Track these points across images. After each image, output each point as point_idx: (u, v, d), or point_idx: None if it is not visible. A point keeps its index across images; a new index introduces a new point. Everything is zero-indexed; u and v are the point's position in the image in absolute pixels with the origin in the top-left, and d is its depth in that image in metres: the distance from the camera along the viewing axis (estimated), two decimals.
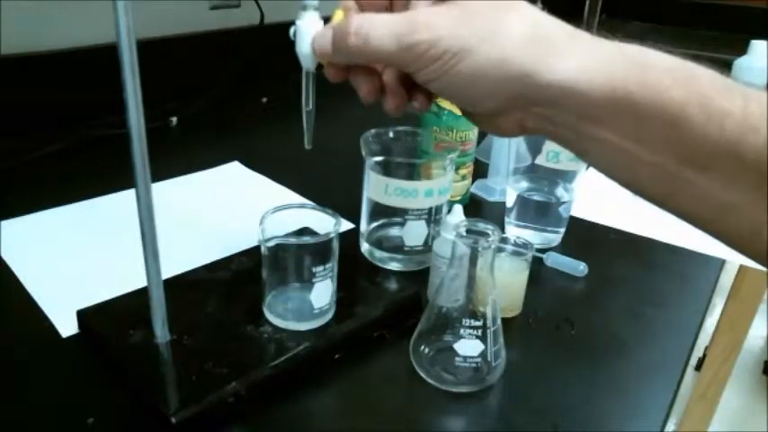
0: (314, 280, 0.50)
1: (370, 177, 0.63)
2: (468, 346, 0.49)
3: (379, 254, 0.65)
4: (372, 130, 0.64)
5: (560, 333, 0.58)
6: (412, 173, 0.63)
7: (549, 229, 0.72)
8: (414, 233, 0.63)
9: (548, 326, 0.59)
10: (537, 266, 0.67)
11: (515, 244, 0.60)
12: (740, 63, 1.21)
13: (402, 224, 0.63)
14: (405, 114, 0.41)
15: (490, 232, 0.48)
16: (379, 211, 0.64)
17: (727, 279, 1.23)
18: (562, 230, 0.73)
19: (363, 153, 0.63)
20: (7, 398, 0.47)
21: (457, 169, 0.74)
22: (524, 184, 0.72)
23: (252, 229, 0.51)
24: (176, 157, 0.91)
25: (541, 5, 0.34)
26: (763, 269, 0.33)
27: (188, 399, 0.44)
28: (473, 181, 0.82)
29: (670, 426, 1.40)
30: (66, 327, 0.54)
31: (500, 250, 0.59)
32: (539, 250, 0.68)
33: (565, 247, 0.72)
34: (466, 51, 0.32)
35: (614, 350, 0.57)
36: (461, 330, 0.49)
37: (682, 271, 0.70)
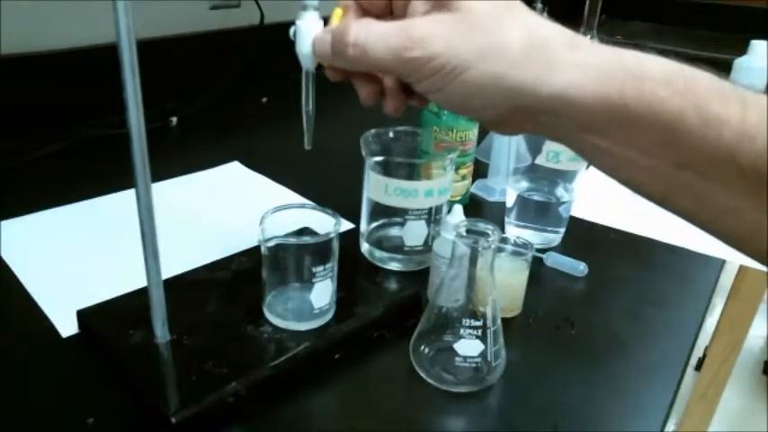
0: (314, 280, 0.50)
1: (370, 177, 0.63)
2: (468, 346, 0.49)
3: (379, 254, 0.65)
4: (372, 130, 0.64)
5: (560, 333, 0.58)
6: (412, 173, 0.63)
7: (549, 229, 0.72)
8: (414, 233, 0.63)
9: (548, 326, 0.59)
10: (537, 266, 0.67)
11: (515, 244, 0.60)
12: (740, 63, 1.21)
13: (402, 224, 0.63)
14: (405, 114, 0.41)
15: (490, 232, 0.48)
16: (379, 211, 0.64)
17: (727, 279, 1.23)
18: (562, 230, 0.73)
19: (363, 153, 0.63)
20: (7, 398, 0.47)
21: (457, 169, 0.74)
22: (524, 184, 0.72)
23: (252, 229, 0.51)
24: (176, 157, 0.91)
25: (542, 6, 0.34)
26: (764, 269, 0.33)
27: (188, 399, 0.44)
28: (473, 181, 0.82)
29: (670, 426, 1.40)
30: (66, 327, 0.54)
31: (500, 250, 0.59)
32: (539, 250, 0.68)
33: (565, 247, 0.72)
34: (463, 68, 0.32)
35: (614, 350, 0.57)
36: (461, 330, 0.49)
37: (682, 271, 0.70)
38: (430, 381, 0.50)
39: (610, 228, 0.78)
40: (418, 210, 0.62)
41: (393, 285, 0.62)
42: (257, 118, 1.14)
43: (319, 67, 0.41)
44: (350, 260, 0.57)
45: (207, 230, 0.70)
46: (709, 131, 0.30)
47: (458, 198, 0.77)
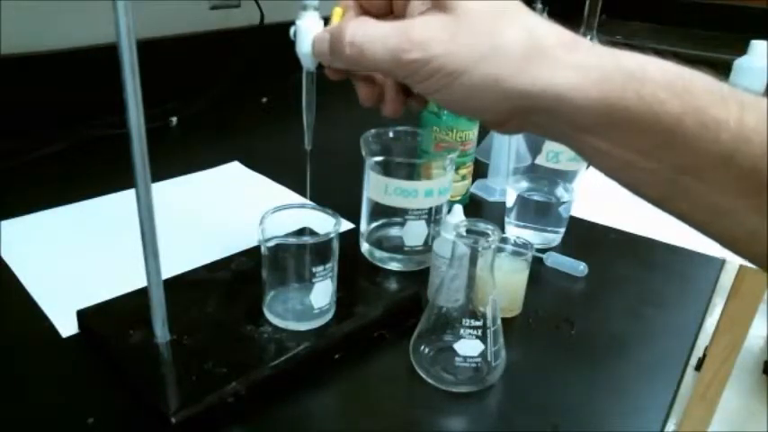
0: (314, 280, 0.50)
1: (370, 177, 0.63)
2: (468, 346, 0.49)
3: (379, 254, 0.65)
4: (372, 130, 0.64)
5: (560, 333, 0.58)
6: (412, 173, 0.63)
7: (549, 229, 0.72)
8: (414, 233, 0.63)
9: (548, 326, 0.59)
10: (537, 266, 0.67)
11: (515, 244, 0.60)
12: (740, 63, 1.21)
13: (402, 224, 0.63)
14: (405, 114, 0.41)
15: (490, 232, 0.48)
16: (379, 211, 0.64)
17: (727, 279, 1.23)
18: (562, 230, 0.73)
19: (363, 153, 0.63)
20: (7, 398, 0.47)
21: (457, 169, 0.74)
22: (524, 184, 0.72)
23: (252, 229, 0.51)
24: (176, 157, 0.91)
25: (542, 6, 0.34)
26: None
27: (188, 399, 0.44)
28: (473, 181, 0.82)
29: (670, 426, 1.40)
30: (66, 327, 0.54)
31: (500, 250, 0.59)
32: (539, 250, 0.68)
33: (565, 247, 0.72)
34: (461, 71, 0.32)
35: (614, 350, 0.57)
36: (461, 330, 0.49)
37: (682, 271, 0.70)
38: (430, 381, 0.50)
39: (610, 228, 0.78)
40: (418, 210, 0.62)
41: (393, 285, 0.61)
42: (257, 118, 1.14)
43: (319, 67, 0.41)
44: (350, 260, 0.57)
45: (207, 230, 0.70)
46: (707, 135, 0.30)
47: (458, 198, 0.77)
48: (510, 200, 0.73)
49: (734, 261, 0.76)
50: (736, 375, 1.46)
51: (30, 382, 0.48)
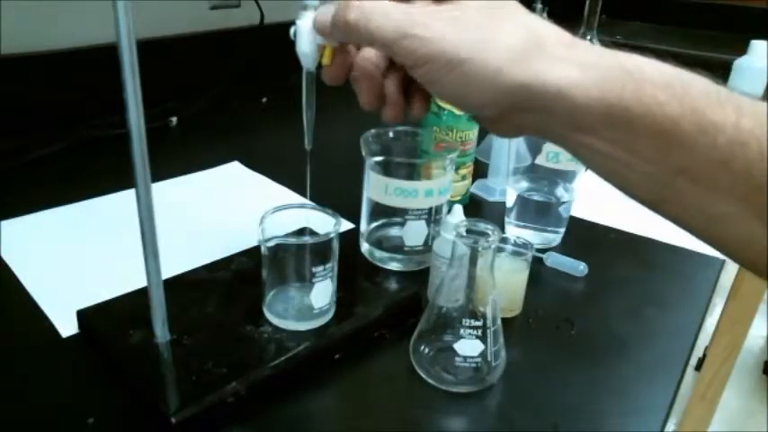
0: (314, 280, 0.50)
1: (370, 177, 0.63)
2: (468, 346, 0.49)
3: (379, 254, 0.65)
4: (372, 130, 0.64)
5: (560, 333, 0.58)
6: (412, 173, 0.63)
7: (549, 229, 0.72)
8: (414, 233, 0.63)
9: (548, 326, 0.59)
10: (537, 266, 0.67)
11: (515, 244, 0.60)
12: (740, 63, 1.21)
13: (402, 224, 0.63)
14: (405, 116, 0.41)
15: (490, 232, 0.48)
16: (379, 211, 0.64)
17: (727, 279, 1.23)
18: (562, 230, 0.73)
19: (363, 153, 0.63)
20: (7, 398, 0.47)
21: (457, 169, 0.74)
22: (524, 184, 0.72)
23: (252, 229, 0.51)
24: (176, 157, 0.91)
25: (542, 6, 0.34)
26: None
27: (188, 399, 0.44)
28: (473, 181, 0.82)
29: (670, 426, 1.40)
30: (66, 327, 0.54)
31: (500, 250, 0.59)
32: (539, 250, 0.68)
33: (565, 247, 0.72)
34: (459, 60, 0.32)
35: (614, 350, 0.57)
36: (461, 330, 0.49)
37: (682, 271, 0.70)
38: (430, 381, 0.50)
39: (610, 228, 0.78)
40: (418, 210, 0.62)
41: (393, 285, 0.62)
42: (257, 118, 1.14)
43: (319, 67, 0.41)
44: (350, 260, 0.57)
45: (207, 230, 0.70)
46: (705, 138, 0.30)
47: (458, 198, 0.77)
48: (510, 200, 0.73)
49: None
50: (736, 375, 1.46)
51: (30, 382, 0.48)
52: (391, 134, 0.66)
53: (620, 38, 1.62)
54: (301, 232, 0.55)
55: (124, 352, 0.48)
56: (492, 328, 0.49)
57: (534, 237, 0.71)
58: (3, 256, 0.63)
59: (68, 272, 0.62)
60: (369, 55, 0.39)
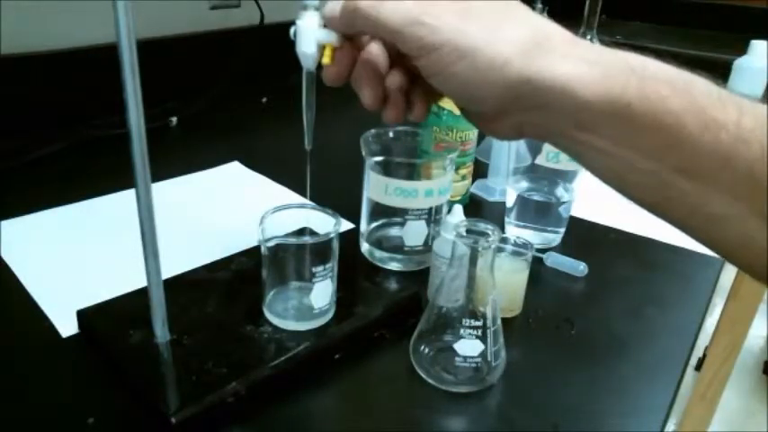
0: (314, 280, 0.50)
1: (370, 177, 0.63)
2: (468, 346, 0.49)
3: (379, 254, 0.65)
4: (372, 130, 0.64)
5: (560, 333, 0.58)
6: (412, 173, 0.63)
7: (549, 229, 0.72)
8: (414, 233, 0.63)
9: (548, 326, 0.59)
10: (537, 266, 0.67)
11: (515, 244, 0.60)
12: (740, 63, 1.21)
13: (402, 224, 0.63)
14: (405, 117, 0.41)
15: (490, 232, 0.48)
16: (379, 211, 0.64)
17: (727, 279, 1.23)
18: (562, 230, 0.73)
19: (363, 153, 0.63)
20: (7, 398, 0.47)
21: (457, 169, 0.74)
22: (524, 184, 0.72)
23: (252, 229, 0.51)
24: (176, 157, 0.91)
25: (542, 6, 0.34)
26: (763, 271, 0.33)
27: (188, 399, 0.44)
28: (473, 181, 0.82)
29: (670, 426, 1.40)
30: (66, 327, 0.54)
31: (500, 250, 0.59)
32: (539, 250, 0.68)
33: (565, 247, 0.72)
34: (467, 48, 0.32)
35: (614, 350, 0.57)
36: (461, 330, 0.49)
37: (682, 271, 0.70)
38: (430, 381, 0.50)
39: (610, 228, 0.78)
40: (418, 210, 0.62)
41: (393, 285, 0.62)
42: (257, 118, 1.14)
43: (319, 67, 0.41)
44: (350, 260, 0.57)
45: (207, 230, 0.70)
46: (707, 134, 0.30)
47: (458, 198, 0.77)
48: (510, 200, 0.73)
49: None
50: (736, 375, 1.46)
51: (30, 382, 0.48)
52: (391, 134, 0.66)
53: (620, 38, 1.62)
54: (301, 232, 0.55)
55: (124, 352, 0.48)
56: (492, 328, 0.49)
57: (534, 237, 0.71)
58: (3, 256, 0.63)
59: (68, 272, 0.62)
60: (373, 52, 0.39)
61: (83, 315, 0.53)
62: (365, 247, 0.66)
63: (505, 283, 0.56)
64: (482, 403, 0.50)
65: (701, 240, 0.34)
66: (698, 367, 1.48)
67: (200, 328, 0.51)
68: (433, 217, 0.63)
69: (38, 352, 0.52)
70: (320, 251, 0.50)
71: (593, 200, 0.78)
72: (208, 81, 1.11)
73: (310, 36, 0.39)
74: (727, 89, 0.32)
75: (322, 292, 0.51)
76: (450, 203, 0.63)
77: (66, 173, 0.84)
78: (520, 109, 0.35)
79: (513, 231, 0.72)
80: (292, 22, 0.40)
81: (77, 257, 0.64)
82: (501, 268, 0.55)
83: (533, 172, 0.72)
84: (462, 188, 0.78)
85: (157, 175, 0.50)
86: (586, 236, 0.76)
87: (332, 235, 0.50)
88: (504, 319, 0.51)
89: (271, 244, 0.50)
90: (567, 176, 0.71)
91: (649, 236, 0.75)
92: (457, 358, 0.49)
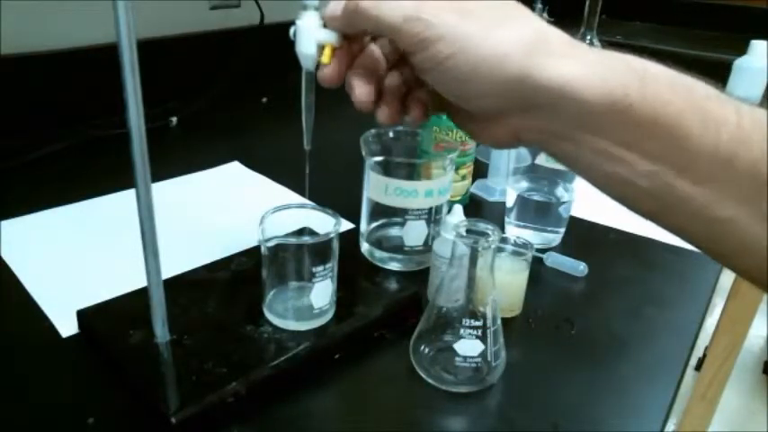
0: (314, 280, 0.50)
1: (370, 177, 0.63)
2: (468, 346, 0.49)
3: (379, 254, 0.65)
4: (372, 130, 0.64)
5: (560, 333, 0.58)
6: (412, 173, 0.63)
7: (549, 229, 0.72)
8: (414, 233, 0.63)
9: (548, 326, 0.59)
10: (537, 266, 0.67)
11: (515, 244, 0.60)
12: (740, 63, 1.21)
13: (402, 224, 0.63)
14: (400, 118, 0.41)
15: (490, 232, 0.48)
16: (379, 211, 0.64)
17: (727, 279, 1.23)
18: (562, 230, 0.73)
19: (363, 153, 0.63)
20: (7, 398, 0.47)
21: (457, 169, 0.74)
22: (524, 184, 0.72)
23: (252, 229, 0.51)
24: (176, 157, 0.91)
25: (542, 6, 0.34)
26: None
27: (188, 399, 0.44)
28: (473, 181, 0.82)
29: (670, 426, 1.40)
30: (66, 327, 0.54)
31: (500, 250, 0.59)
32: (539, 250, 0.68)
33: (565, 247, 0.72)
34: (462, 45, 0.32)
35: (614, 350, 0.57)
36: (461, 330, 0.49)
37: (682, 271, 0.70)
38: (430, 381, 0.50)
39: (610, 228, 0.78)
40: (418, 210, 0.62)
41: (393, 285, 0.61)
42: (257, 118, 1.14)
43: (319, 68, 0.41)
44: (350, 260, 0.57)
45: (207, 230, 0.70)
46: (708, 135, 0.30)
47: (458, 198, 0.77)
48: (510, 200, 0.73)
49: None
50: (736, 375, 1.46)
51: (30, 382, 0.48)
52: (391, 134, 0.66)
53: (620, 38, 1.62)
54: (301, 232, 0.55)
55: (124, 352, 0.48)
56: (492, 328, 0.49)
57: (534, 237, 0.71)
58: (3, 256, 0.63)
59: (68, 272, 0.62)
60: (373, 53, 0.39)
61: (83, 315, 0.53)
62: (365, 247, 0.66)
63: (505, 283, 0.56)
64: (482, 403, 0.50)
65: (702, 247, 0.34)
66: (698, 367, 1.48)
67: (200, 328, 0.51)
68: (433, 217, 0.63)
69: (38, 352, 0.52)
70: (320, 251, 0.50)
71: (594, 200, 0.78)
72: (208, 81, 1.11)
73: (310, 36, 0.39)
74: (725, 93, 0.32)
75: (322, 292, 0.51)
76: (450, 203, 0.63)
77: (67, 173, 0.84)
78: (519, 109, 0.34)
79: (513, 231, 0.72)
80: (292, 22, 0.40)
81: (77, 257, 0.64)
82: (501, 268, 0.55)
83: (533, 172, 0.72)
84: (462, 188, 0.78)
85: (157, 175, 0.50)
86: (586, 236, 0.76)
87: (332, 235, 0.50)
88: (504, 319, 0.51)
89: (271, 244, 0.50)
90: (566, 176, 0.71)
91: (649, 236, 0.75)
92: (457, 358, 0.49)
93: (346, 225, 0.70)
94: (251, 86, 1.19)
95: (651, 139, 0.32)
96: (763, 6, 1.71)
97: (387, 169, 0.62)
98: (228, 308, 0.53)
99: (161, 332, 0.49)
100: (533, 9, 0.34)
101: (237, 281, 0.57)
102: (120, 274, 0.56)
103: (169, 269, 0.52)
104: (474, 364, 0.49)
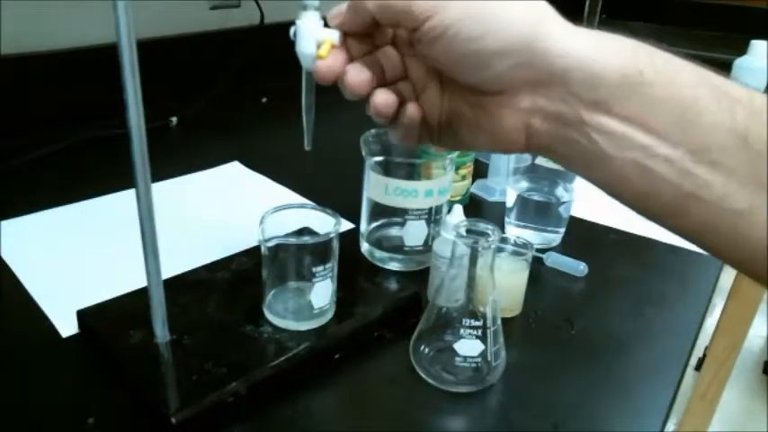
0: (314, 280, 0.50)
1: (370, 177, 0.63)
2: (468, 346, 0.49)
3: (379, 254, 0.65)
4: (372, 130, 0.64)
5: (560, 333, 0.58)
6: (412, 173, 0.63)
7: (549, 229, 0.72)
8: (414, 233, 0.63)
9: (548, 326, 0.59)
10: (537, 266, 0.67)
11: (515, 244, 0.60)
12: (740, 63, 1.21)
13: (402, 224, 0.63)
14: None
15: (490, 232, 0.48)
16: (379, 211, 0.64)
17: (727, 279, 1.23)
18: (562, 230, 0.73)
19: (363, 153, 0.63)
20: (7, 398, 0.47)
21: (457, 169, 0.74)
22: (524, 184, 0.72)
23: (252, 229, 0.51)
24: (176, 157, 0.91)
25: None
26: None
27: (188, 399, 0.44)
28: (473, 181, 0.82)
29: (670, 426, 1.40)
30: (66, 327, 0.54)
31: (500, 250, 0.59)
32: (539, 250, 0.68)
33: (565, 247, 0.72)
34: (472, 7, 0.32)
35: (614, 350, 0.57)
36: (461, 330, 0.49)
37: (682, 271, 0.70)
38: (430, 381, 0.50)
39: (610, 228, 0.78)
40: (418, 210, 0.62)
41: (393, 285, 0.61)
42: (257, 118, 1.14)
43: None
44: (350, 260, 0.57)
45: (207, 230, 0.70)
46: (723, 110, 0.30)
47: (458, 198, 0.77)
48: (510, 200, 0.73)
49: None
50: (736, 375, 1.46)
51: (30, 382, 0.48)
52: None
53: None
54: (301, 232, 0.55)
55: (124, 352, 0.48)
56: (492, 328, 0.49)
57: (534, 237, 0.71)
58: (3, 256, 0.63)
59: (68, 272, 0.62)
60: (380, 57, 0.38)
61: (83, 315, 0.53)
62: (365, 247, 0.66)
63: (505, 283, 0.56)
64: (482, 403, 0.50)
65: (722, 253, 0.33)
66: (698, 367, 1.48)
67: (200, 328, 0.51)
68: (433, 217, 0.63)
69: (38, 352, 0.52)
70: (320, 251, 0.50)
71: (594, 200, 0.78)
72: (208, 81, 1.11)
73: (310, 36, 0.39)
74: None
75: (322, 292, 0.51)
76: (450, 203, 0.64)
77: (67, 173, 0.84)
78: (528, 83, 0.33)
79: (513, 231, 0.72)
80: (292, 22, 0.40)
81: (77, 257, 0.64)
82: (501, 268, 0.55)
83: (533, 172, 0.72)
84: (462, 188, 0.78)
85: (157, 175, 0.50)
86: (586, 236, 0.76)
87: (332, 235, 0.50)
88: (504, 319, 0.51)
89: (271, 244, 0.50)
90: (566, 176, 0.71)
91: (649, 236, 0.75)
92: (457, 358, 0.49)
93: (346, 225, 0.70)
94: (251, 86, 1.19)
95: (666, 115, 0.31)
96: (763, 6, 1.71)
97: (387, 169, 0.62)
98: (228, 308, 0.53)
99: (161, 332, 0.49)
100: None
101: (237, 281, 0.57)
102: (120, 274, 0.56)
103: (169, 269, 0.52)
104: (474, 364, 0.49)
